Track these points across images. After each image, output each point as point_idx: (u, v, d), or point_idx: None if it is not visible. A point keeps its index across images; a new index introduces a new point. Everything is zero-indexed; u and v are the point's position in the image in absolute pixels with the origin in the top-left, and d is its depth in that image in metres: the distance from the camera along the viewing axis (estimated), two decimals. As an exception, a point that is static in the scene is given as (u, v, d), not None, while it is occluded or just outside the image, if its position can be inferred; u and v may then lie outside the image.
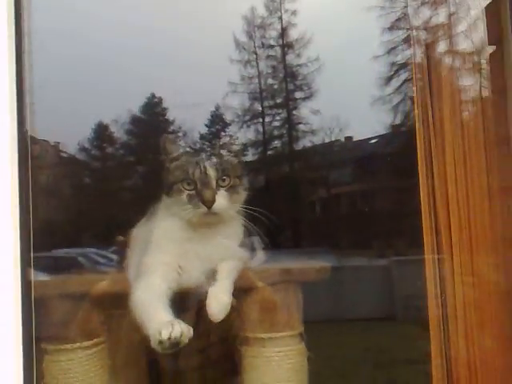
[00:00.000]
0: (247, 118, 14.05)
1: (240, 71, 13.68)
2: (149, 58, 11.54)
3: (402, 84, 12.90)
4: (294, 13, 13.56)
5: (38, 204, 1.21)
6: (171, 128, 13.24)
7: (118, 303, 1.53)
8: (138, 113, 13.50)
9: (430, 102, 1.62)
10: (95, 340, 1.59)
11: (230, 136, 1.69)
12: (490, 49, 1.58)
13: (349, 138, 15.15)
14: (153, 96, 13.77)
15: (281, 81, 14.00)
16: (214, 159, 1.53)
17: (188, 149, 1.63)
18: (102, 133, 13.31)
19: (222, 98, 13.55)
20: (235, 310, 1.48)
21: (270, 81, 14.02)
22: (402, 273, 6.71)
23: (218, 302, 1.42)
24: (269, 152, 14.44)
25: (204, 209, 1.47)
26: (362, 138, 14.80)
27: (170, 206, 1.53)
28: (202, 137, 13.69)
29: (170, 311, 1.35)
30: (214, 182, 1.49)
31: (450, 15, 1.71)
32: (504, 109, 1.49)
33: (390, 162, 12.42)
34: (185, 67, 11.80)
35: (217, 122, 14.46)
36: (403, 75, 12.82)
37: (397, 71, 12.89)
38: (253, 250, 1.65)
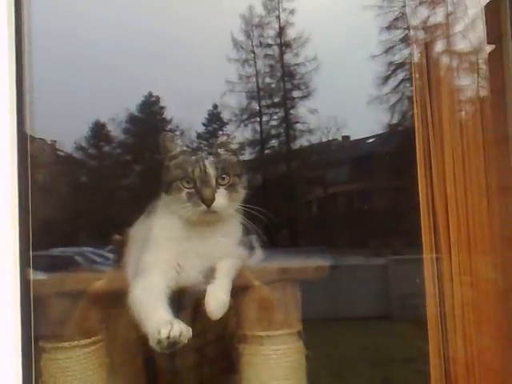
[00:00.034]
0: (245, 117, 14.05)
1: (238, 70, 13.68)
2: (146, 57, 11.53)
3: (399, 83, 12.93)
4: (291, 12, 13.58)
5: (35, 203, 1.21)
6: (168, 127, 13.22)
7: (116, 301, 1.53)
8: (135, 111, 13.49)
9: (429, 102, 1.62)
10: (93, 338, 1.59)
11: (228, 135, 1.68)
12: (489, 48, 1.58)
13: (346, 138, 15.16)
14: (150, 95, 13.76)
15: (278, 80, 14.01)
16: (214, 157, 1.53)
17: (185, 147, 1.62)
18: (98, 131, 13.27)
19: (219, 96, 13.57)
20: (232, 309, 1.48)
21: (268, 80, 14.03)
22: (399, 272, 6.73)
23: (217, 300, 1.42)
24: (266, 151, 14.43)
25: (203, 207, 1.46)
26: (360, 137, 14.83)
27: (169, 204, 1.53)
28: (199, 136, 13.68)
29: (169, 310, 1.35)
30: (213, 181, 1.49)
31: (448, 15, 1.71)
32: (503, 108, 1.49)
33: (387, 162, 12.44)
34: (182, 66, 11.81)
35: (214, 120, 14.45)
36: (401, 75, 12.86)
37: (394, 71, 12.92)
38: (251, 248, 1.65)
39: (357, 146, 14.62)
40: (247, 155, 13.43)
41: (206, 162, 1.50)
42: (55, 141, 11.30)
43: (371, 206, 13.55)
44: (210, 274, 1.48)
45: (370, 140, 14.33)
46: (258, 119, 14.16)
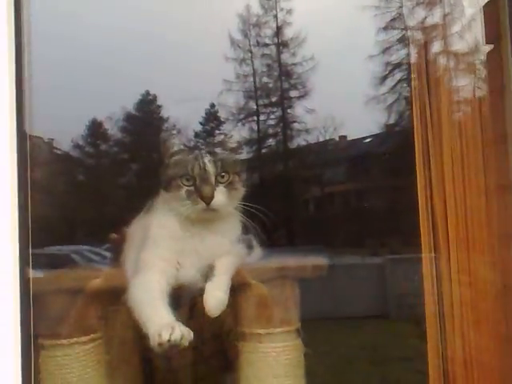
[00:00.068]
0: (242, 116, 14.08)
1: (235, 69, 13.71)
2: (144, 56, 11.55)
3: (396, 84, 12.97)
4: (289, 11, 13.61)
5: (33, 201, 1.21)
6: (165, 125, 13.23)
7: (115, 299, 1.53)
8: (132, 110, 13.48)
9: (428, 102, 1.62)
10: (92, 335, 1.58)
11: (225, 134, 1.69)
12: (488, 48, 1.58)
13: (343, 137, 15.20)
14: (147, 93, 13.76)
15: (276, 79, 14.03)
16: (213, 155, 1.53)
17: (182, 146, 1.62)
18: (96, 130, 13.26)
19: (216, 95, 13.57)
20: (230, 306, 1.48)
21: (265, 79, 14.07)
22: (396, 271, 6.75)
23: (216, 298, 1.42)
24: (263, 150, 14.45)
25: (203, 205, 1.46)
26: (357, 137, 14.87)
27: (168, 201, 1.53)
28: (196, 135, 13.69)
29: (169, 310, 1.34)
30: (212, 178, 1.48)
31: (446, 15, 1.71)
32: (501, 107, 1.49)
33: (384, 161, 12.47)
34: (180, 65, 11.81)
35: (211, 119, 14.46)
36: (398, 75, 12.90)
37: (391, 71, 12.96)
38: (250, 246, 1.65)
39: (354, 146, 14.66)
40: (244, 154, 13.45)
41: (206, 160, 1.49)
42: (52, 139, 11.28)
43: (369, 205, 13.58)
44: (208, 272, 1.48)
45: (367, 140, 14.37)
46: (256, 118, 14.20)
